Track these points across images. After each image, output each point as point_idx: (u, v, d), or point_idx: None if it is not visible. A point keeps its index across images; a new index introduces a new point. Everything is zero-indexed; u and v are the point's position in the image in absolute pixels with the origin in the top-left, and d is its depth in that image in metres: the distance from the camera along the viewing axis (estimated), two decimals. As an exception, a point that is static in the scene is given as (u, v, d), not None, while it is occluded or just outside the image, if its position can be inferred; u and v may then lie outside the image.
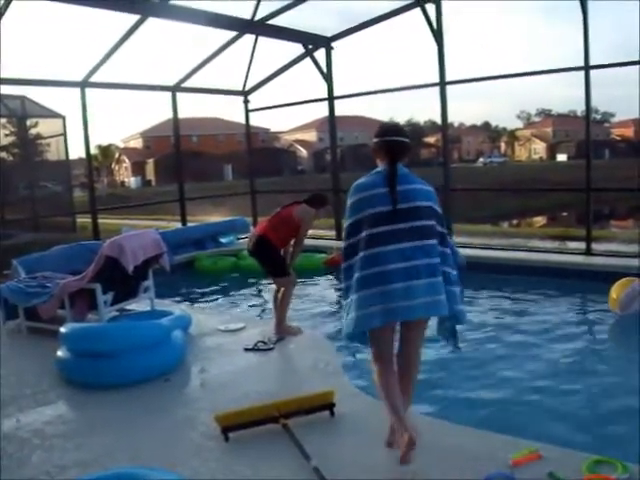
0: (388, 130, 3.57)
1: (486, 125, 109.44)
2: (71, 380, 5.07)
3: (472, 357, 5.76)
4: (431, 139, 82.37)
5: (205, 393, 4.74)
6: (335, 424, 3.99)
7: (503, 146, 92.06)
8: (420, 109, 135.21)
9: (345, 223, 3.48)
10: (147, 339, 5.12)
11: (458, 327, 3.63)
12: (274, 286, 6.19)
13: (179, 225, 12.49)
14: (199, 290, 9.47)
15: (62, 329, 5.27)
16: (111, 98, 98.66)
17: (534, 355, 5.82)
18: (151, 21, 9.43)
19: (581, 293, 8.00)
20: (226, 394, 4.61)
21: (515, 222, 27.99)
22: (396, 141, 3.47)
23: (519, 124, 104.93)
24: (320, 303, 8.07)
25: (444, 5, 10.20)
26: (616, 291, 6.65)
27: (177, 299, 8.59)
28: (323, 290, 8.66)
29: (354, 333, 3.35)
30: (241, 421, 3.88)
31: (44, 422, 4.33)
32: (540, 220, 29.03)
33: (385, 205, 3.29)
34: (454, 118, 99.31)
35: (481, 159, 72.04)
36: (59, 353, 5.23)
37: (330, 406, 4.04)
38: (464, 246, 10.37)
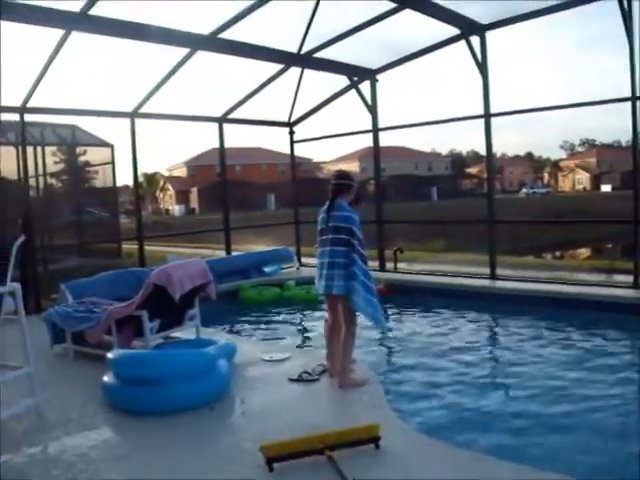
0: (333, 177, 5.54)
1: (529, 155, 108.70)
2: (117, 406, 5.12)
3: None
4: (473, 170, 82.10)
5: (249, 423, 4.75)
6: (380, 457, 3.97)
7: (546, 176, 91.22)
8: (462, 139, 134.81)
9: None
10: (193, 367, 5.16)
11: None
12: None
13: (223, 254, 12.60)
14: (243, 319, 9.52)
15: (109, 355, 5.34)
16: (157, 128, 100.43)
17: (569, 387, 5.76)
18: (200, 54, 9.66)
19: (628, 328, 7.84)
20: (270, 424, 4.61)
21: (558, 254, 27.57)
22: (334, 184, 5.44)
23: (562, 154, 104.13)
24: (362, 331, 7.87)
25: (488, 37, 10.28)
26: None
27: (222, 328, 8.66)
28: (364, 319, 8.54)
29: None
30: (286, 452, 3.87)
31: (89, 446, 4.38)
32: (584, 252, 28.55)
33: (324, 223, 5.39)
34: (497, 148, 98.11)
35: (524, 190, 71.42)
36: (105, 378, 5.30)
37: (375, 439, 4.02)
38: (506, 279, 10.28)
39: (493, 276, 10.41)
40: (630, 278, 9.11)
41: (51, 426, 4.80)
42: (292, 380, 5.59)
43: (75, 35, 8.18)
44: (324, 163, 75.37)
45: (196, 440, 4.42)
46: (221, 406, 5.10)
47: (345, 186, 5.46)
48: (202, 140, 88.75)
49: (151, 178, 72.07)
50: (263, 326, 9.14)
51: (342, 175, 5.60)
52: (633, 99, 8.80)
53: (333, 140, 13.94)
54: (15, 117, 9.50)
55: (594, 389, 5.74)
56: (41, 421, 4.88)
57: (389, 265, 11.98)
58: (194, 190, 61.67)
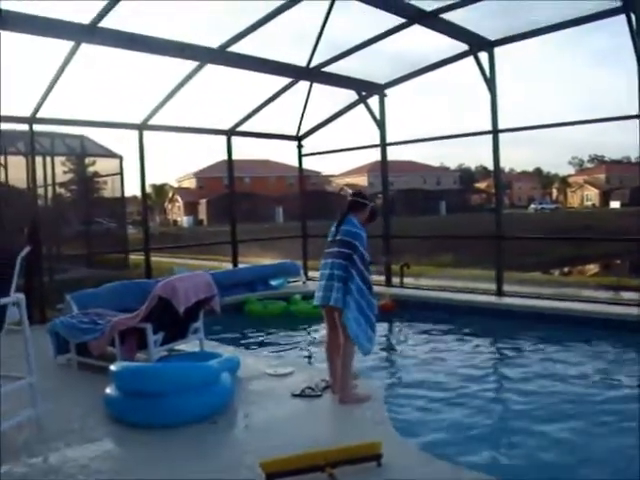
0: (352, 193, 5.79)
1: (538, 171, 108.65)
2: (119, 418, 5.10)
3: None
4: (482, 185, 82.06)
5: (251, 437, 4.73)
6: (382, 475, 3.93)
7: (555, 192, 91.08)
8: (471, 154, 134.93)
9: None
10: (196, 381, 5.15)
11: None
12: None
13: (230, 266, 12.60)
14: (248, 333, 9.48)
15: (112, 367, 5.33)
16: (167, 139, 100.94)
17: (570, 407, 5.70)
18: (208, 67, 9.70)
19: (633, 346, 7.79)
20: (272, 439, 4.58)
21: (567, 269, 27.46)
22: (349, 200, 5.61)
23: (571, 170, 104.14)
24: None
25: (496, 52, 10.31)
26: None
27: (226, 341, 8.63)
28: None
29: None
30: (287, 468, 3.84)
31: (90, 458, 4.36)
32: (592, 268, 28.45)
33: (332, 236, 5.49)
34: (505, 164, 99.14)
35: (532, 205, 71.34)
36: (108, 390, 5.29)
37: (377, 457, 3.99)
38: (513, 295, 10.22)
39: (499, 292, 10.36)
40: (637, 295, 9.06)
41: (52, 437, 4.78)
42: (295, 395, 5.56)
43: (85, 47, 8.23)
44: (333, 176, 75.53)
45: (197, 454, 4.39)
46: (223, 420, 5.07)
47: (358, 203, 5.57)
48: (212, 152, 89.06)
49: (160, 189, 72.33)
50: (268, 340, 9.10)
51: (357, 193, 5.77)
52: (640, 117, 8.80)
53: (342, 153, 13.95)
54: (24, 127, 9.56)
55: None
56: (42, 432, 4.87)
57: (395, 280, 11.93)
58: (203, 202, 61.86)
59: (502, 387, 6.73)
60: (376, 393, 5.62)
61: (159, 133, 11.38)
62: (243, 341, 9.04)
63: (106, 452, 4.53)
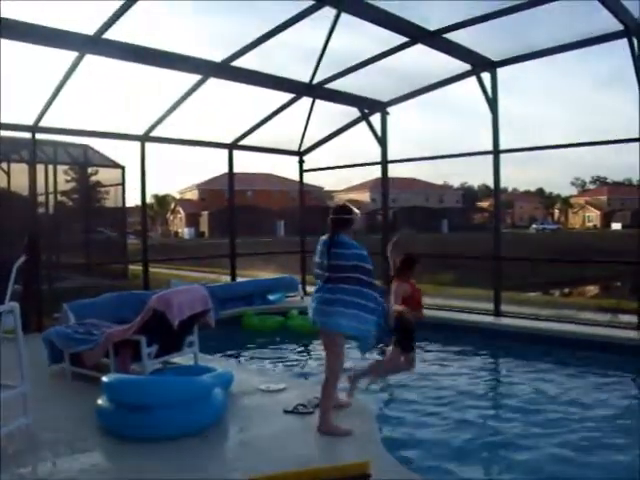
0: (333, 210, 5.17)
1: (540, 191, 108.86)
2: (110, 430, 5.08)
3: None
4: (484, 203, 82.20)
5: (240, 453, 4.70)
6: (370, 495, 3.90)
7: (557, 213, 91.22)
8: (474, 172, 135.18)
9: None
10: (188, 395, 5.13)
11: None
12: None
13: (229, 279, 12.59)
14: (244, 347, 9.45)
15: (104, 379, 5.32)
16: (170, 150, 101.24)
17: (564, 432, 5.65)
18: (212, 80, 9.74)
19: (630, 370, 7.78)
20: (262, 456, 4.56)
21: (567, 290, 27.40)
22: (333, 218, 5.07)
23: (573, 191, 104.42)
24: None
25: (499, 73, 10.36)
26: None
27: (221, 355, 8.60)
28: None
29: None
30: (275, 486, 3.83)
31: (79, 470, 4.34)
32: (592, 289, 28.39)
33: (320, 258, 5.02)
34: (508, 183, 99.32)
35: (534, 225, 71.47)
36: (100, 402, 5.27)
37: (366, 477, 3.96)
38: (510, 315, 10.19)
39: (497, 313, 10.33)
40: (635, 319, 9.02)
41: (42, 447, 4.77)
42: (287, 412, 5.53)
43: (89, 57, 8.26)
44: (335, 192, 75.61)
45: (186, 468, 4.37)
46: (214, 435, 5.06)
47: (344, 220, 5.11)
48: (215, 164, 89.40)
49: (162, 200, 72.48)
50: (263, 355, 9.07)
51: (339, 209, 5.23)
52: (642, 140, 8.82)
53: (344, 169, 13.97)
54: (27, 135, 9.59)
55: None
56: (32, 442, 4.85)
57: (394, 297, 11.87)
58: (204, 214, 62.01)
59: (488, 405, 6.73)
60: (368, 413, 5.60)
61: (162, 144, 11.40)
62: (238, 355, 9.02)
63: (95, 464, 4.51)
